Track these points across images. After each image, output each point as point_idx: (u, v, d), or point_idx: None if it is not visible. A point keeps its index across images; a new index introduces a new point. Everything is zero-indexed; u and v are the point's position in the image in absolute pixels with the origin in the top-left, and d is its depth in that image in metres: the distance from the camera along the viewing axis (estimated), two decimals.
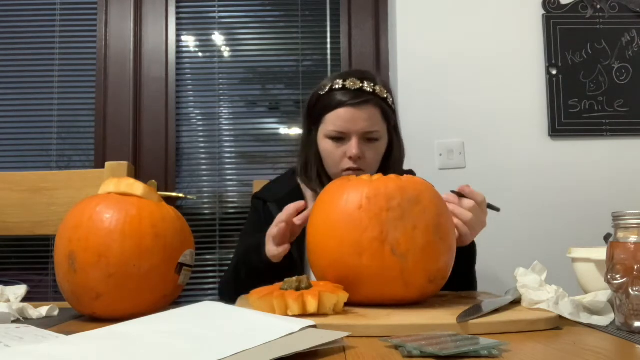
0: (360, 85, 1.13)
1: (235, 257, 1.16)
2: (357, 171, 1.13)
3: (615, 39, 1.95)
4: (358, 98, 1.11)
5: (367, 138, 1.14)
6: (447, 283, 0.84)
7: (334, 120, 1.13)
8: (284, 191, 1.22)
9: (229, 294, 0.98)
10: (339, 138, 1.14)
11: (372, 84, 1.13)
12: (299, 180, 1.25)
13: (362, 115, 1.12)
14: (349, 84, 1.13)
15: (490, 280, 1.70)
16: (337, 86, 1.14)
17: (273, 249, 0.98)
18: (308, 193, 1.24)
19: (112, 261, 0.74)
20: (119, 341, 0.57)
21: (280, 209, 1.15)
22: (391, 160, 1.22)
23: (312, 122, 1.20)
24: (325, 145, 1.16)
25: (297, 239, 1.15)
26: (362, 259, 0.75)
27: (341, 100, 1.12)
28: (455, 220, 0.93)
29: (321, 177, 1.20)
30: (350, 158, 1.12)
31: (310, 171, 1.21)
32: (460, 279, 0.96)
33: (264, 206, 1.21)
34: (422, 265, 0.76)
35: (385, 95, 1.16)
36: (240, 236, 1.30)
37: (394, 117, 1.21)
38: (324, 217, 0.81)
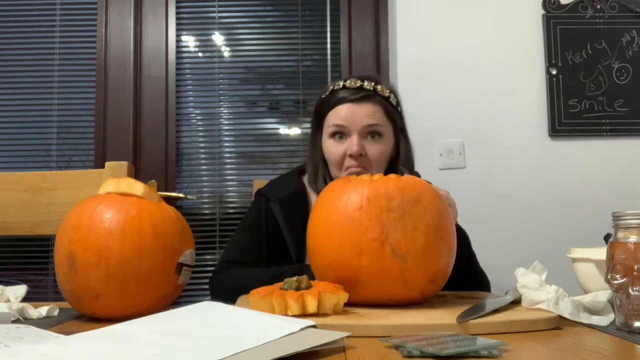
0: (361, 83, 1.13)
1: (277, 278, 1.08)
2: (359, 168, 1.10)
3: (615, 39, 1.95)
4: (358, 94, 1.11)
5: (369, 133, 1.12)
6: (454, 283, 0.82)
7: (334, 117, 1.13)
8: (288, 191, 1.20)
9: (222, 297, 0.95)
10: (340, 135, 1.12)
11: (372, 83, 1.13)
12: (305, 183, 1.23)
13: (361, 111, 1.10)
14: (349, 83, 1.13)
15: (490, 280, 1.70)
16: (338, 86, 1.14)
17: None
18: (313, 197, 1.21)
19: (112, 261, 0.74)
20: (119, 341, 0.57)
21: (282, 209, 1.14)
22: (398, 163, 1.17)
23: (317, 125, 1.20)
24: (327, 145, 1.15)
25: (296, 242, 1.14)
26: (362, 260, 0.75)
27: (341, 98, 1.12)
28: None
29: (326, 181, 1.17)
30: (351, 156, 1.10)
31: (317, 175, 1.19)
32: (462, 274, 0.90)
33: (267, 204, 1.18)
34: (422, 266, 0.76)
35: (388, 95, 1.15)
36: (237, 231, 1.24)
37: (400, 120, 1.18)
38: (324, 217, 0.81)
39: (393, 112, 1.15)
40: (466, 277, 0.85)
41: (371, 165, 1.12)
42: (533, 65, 1.94)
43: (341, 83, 1.14)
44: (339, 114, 1.12)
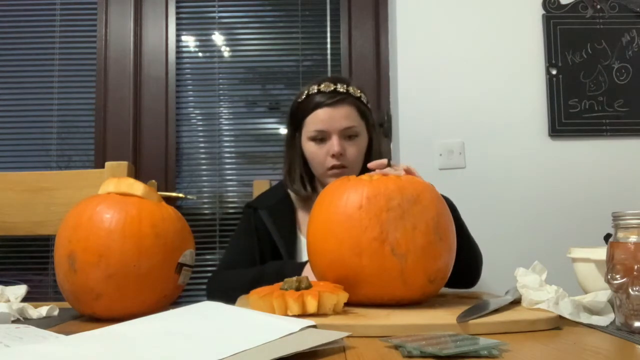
0: (334, 87, 1.20)
1: (258, 274, 1.09)
2: (341, 168, 1.18)
3: (615, 39, 1.95)
4: (333, 98, 1.18)
5: (347, 135, 1.19)
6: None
7: (314, 121, 1.19)
8: (275, 199, 1.27)
9: (216, 297, 0.95)
10: (321, 138, 1.19)
11: (344, 85, 1.21)
12: (288, 190, 1.29)
13: (339, 113, 1.18)
14: (323, 87, 1.20)
15: (490, 280, 1.70)
16: (313, 91, 1.21)
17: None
18: (297, 202, 1.28)
19: (112, 261, 0.74)
20: (119, 341, 0.57)
21: (270, 216, 1.22)
22: (371, 158, 1.24)
23: (294, 129, 1.26)
24: (309, 147, 1.21)
25: (286, 244, 1.19)
26: (362, 259, 0.75)
27: (318, 102, 1.19)
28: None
29: (303, 180, 1.25)
30: (333, 155, 1.17)
31: (293, 174, 1.26)
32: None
33: (255, 213, 1.25)
34: (422, 265, 0.76)
35: (359, 95, 1.23)
36: (230, 241, 1.31)
37: (371, 116, 1.26)
38: (324, 217, 0.81)
39: (365, 110, 1.23)
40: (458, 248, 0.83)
41: (350, 163, 1.20)
42: (533, 65, 1.94)
43: (315, 87, 1.21)
44: (318, 118, 1.18)
